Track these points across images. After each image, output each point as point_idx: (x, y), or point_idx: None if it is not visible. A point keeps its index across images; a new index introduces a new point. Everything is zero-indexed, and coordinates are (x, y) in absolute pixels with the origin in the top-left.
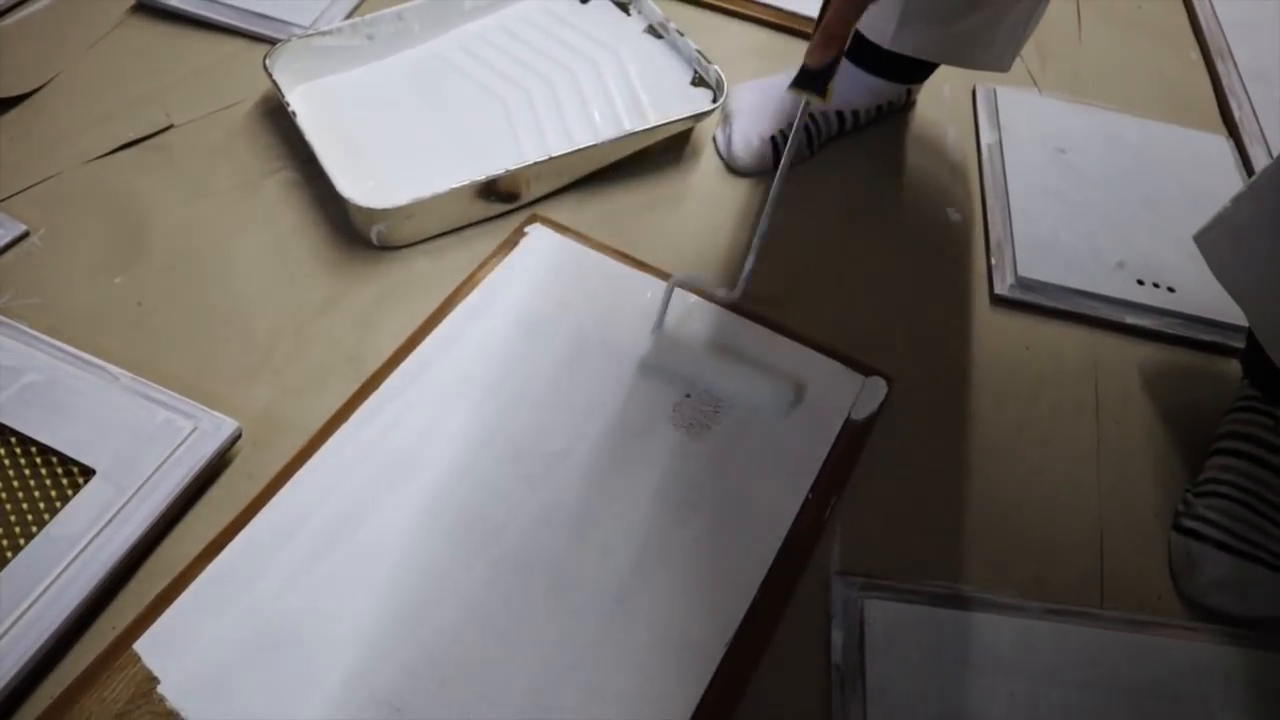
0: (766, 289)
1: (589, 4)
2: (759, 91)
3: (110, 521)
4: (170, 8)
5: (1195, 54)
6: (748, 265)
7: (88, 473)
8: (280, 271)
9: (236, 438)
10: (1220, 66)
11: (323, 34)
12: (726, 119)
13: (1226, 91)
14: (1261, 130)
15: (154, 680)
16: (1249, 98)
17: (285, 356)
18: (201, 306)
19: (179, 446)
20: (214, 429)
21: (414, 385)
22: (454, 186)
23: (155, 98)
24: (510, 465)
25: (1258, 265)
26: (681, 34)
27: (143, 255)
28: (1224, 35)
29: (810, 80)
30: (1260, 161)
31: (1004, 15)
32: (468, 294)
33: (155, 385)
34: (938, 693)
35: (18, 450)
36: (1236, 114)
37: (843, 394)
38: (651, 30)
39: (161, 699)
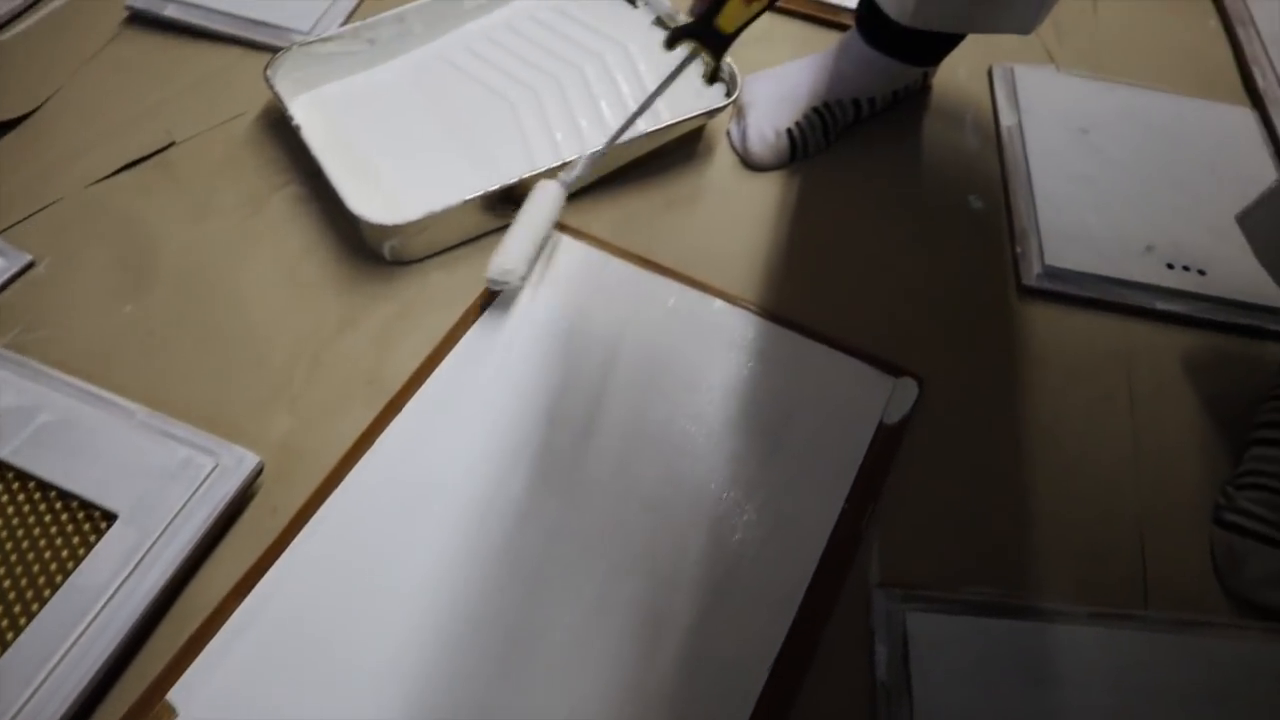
0: (790, 290)
1: None
2: (773, 82)
3: (136, 568)
4: (165, 18)
5: (1214, 21)
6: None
7: (110, 517)
8: (293, 292)
9: (259, 472)
10: (1242, 34)
11: (324, 40)
12: (740, 112)
13: (1249, 60)
14: None
15: None
16: (1273, 67)
17: (303, 382)
18: (215, 333)
19: (201, 485)
20: (235, 465)
21: (436, 407)
22: (466, 199)
23: (155, 114)
24: (542, 489)
25: None
26: None
27: (152, 281)
28: (1245, 2)
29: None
30: None
31: None
32: (486, 306)
33: (173, 420)
34: (985, 705)
35: (37, 496)
36: (1260, 84)
37: (874, 398)
38: (660, 22)
39: None
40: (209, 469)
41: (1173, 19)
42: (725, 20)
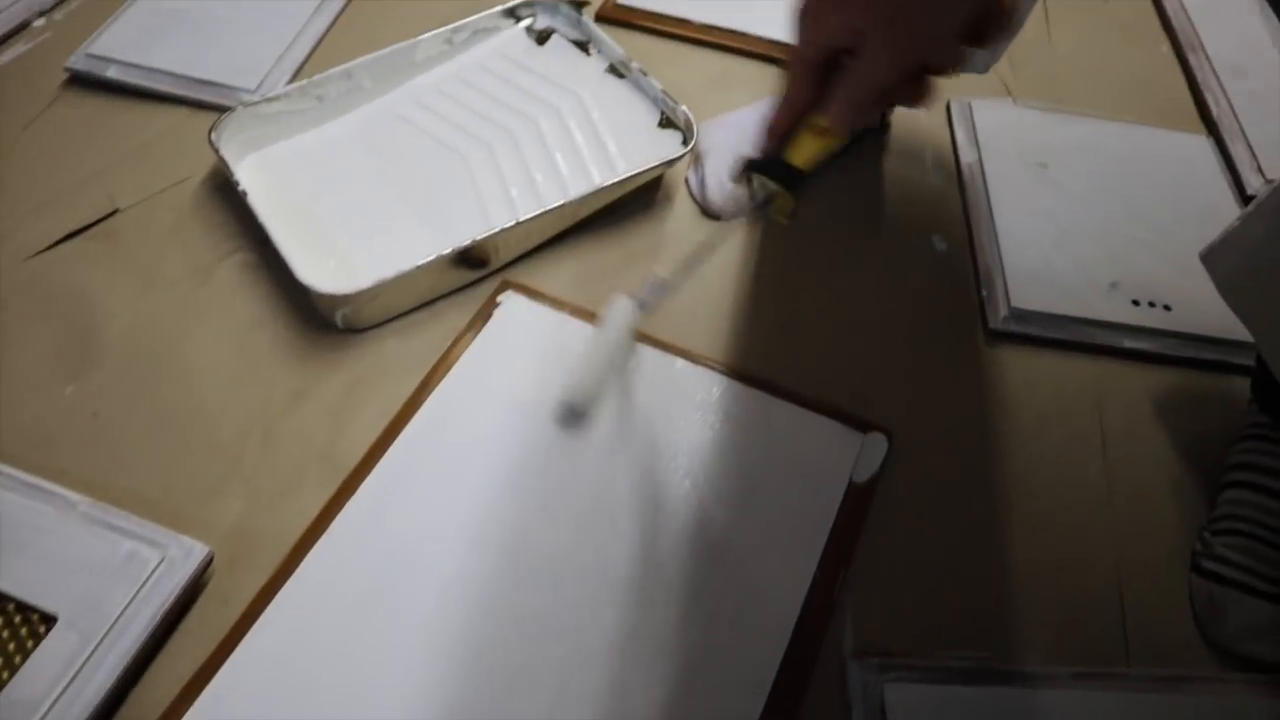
0: (754, 344)
1: (546, 45)
2: (731, 128)
3: (77, 675)
4: (107, 80)
5: (1166, 47)
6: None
7: (49, 620)
8: (243, 365)
9: (209, 563)
10: (1193, 60)
11: (269, 100)
12: (698, 160)
13: (1202, 87)
14: (1241, 127)
15: None
16: (1225, 93)
17: (255, 461)
18: (162, 412)
19: (147, 580)
20: (183, 556)
21: (394, 483)
22: (419, 264)
23: (97, 180)
24: (506, 568)
25: (1269, 286)
26: (645, 73)
27: (95, 359)
28: (1193, 26)
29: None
30: (1243, 160)
31: None
32: (443, 377)
33: (117, 511)
34: None
35: None
36: (1214, 110)
37: (843, 456)
38: (613, 70)
39: None
40: (155, 563)
41: (1125, 45)
42: (796, 155)
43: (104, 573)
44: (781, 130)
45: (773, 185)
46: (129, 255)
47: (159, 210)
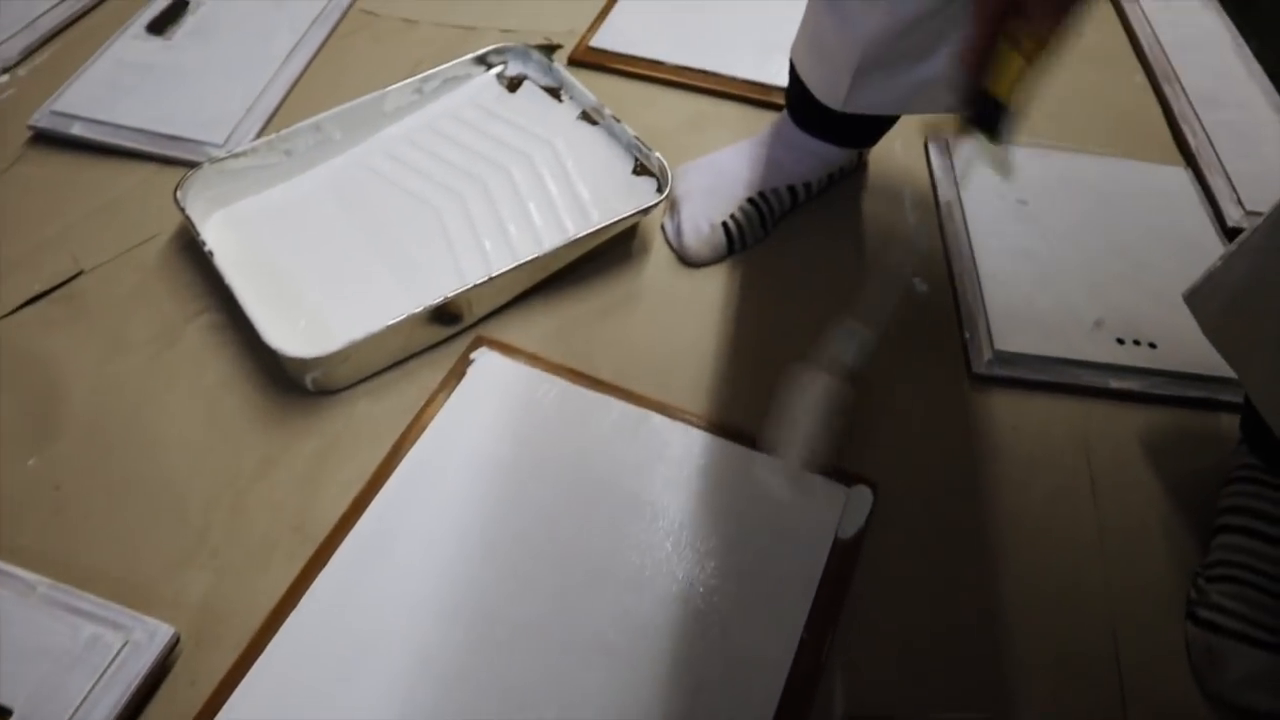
0: (734, 395)
1: (518, 92)
2: (706, 172)
3: None
4: (71, 137)
5: (1140, 77)
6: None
7: (4, 714)
8: (211, 433)
9: (175, 644)
10: (1168, 90)
11: (236, 156)
12: (674, 206)
13: (1178, 118)
14: (1219, 158)
15: None
16: (1201, 124)
17: (223, 533)
18: (127, 484)
19: (109, 666)
20: (148, 639)
21: (367, 555)
22: (390, 323)
23: (61, 240)
24: (484, 638)
25: (1254, 327)
26: (618, 120)
27: (58, 429)
28: (1167, 58)
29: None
30: (1222, 192)
31: None
32: (416, 439)
33: (78, 592)
34: None
35: None
36: (1191, 142)
37: (828, 511)
38: (585, 116)
39: None
40: (118, 647)
41: (1099, 76)
42: (1001, 86)
43: (64, 660)
44: (980, 54)
45: (990, 143)
46: (93, 319)
47: (124, 271)
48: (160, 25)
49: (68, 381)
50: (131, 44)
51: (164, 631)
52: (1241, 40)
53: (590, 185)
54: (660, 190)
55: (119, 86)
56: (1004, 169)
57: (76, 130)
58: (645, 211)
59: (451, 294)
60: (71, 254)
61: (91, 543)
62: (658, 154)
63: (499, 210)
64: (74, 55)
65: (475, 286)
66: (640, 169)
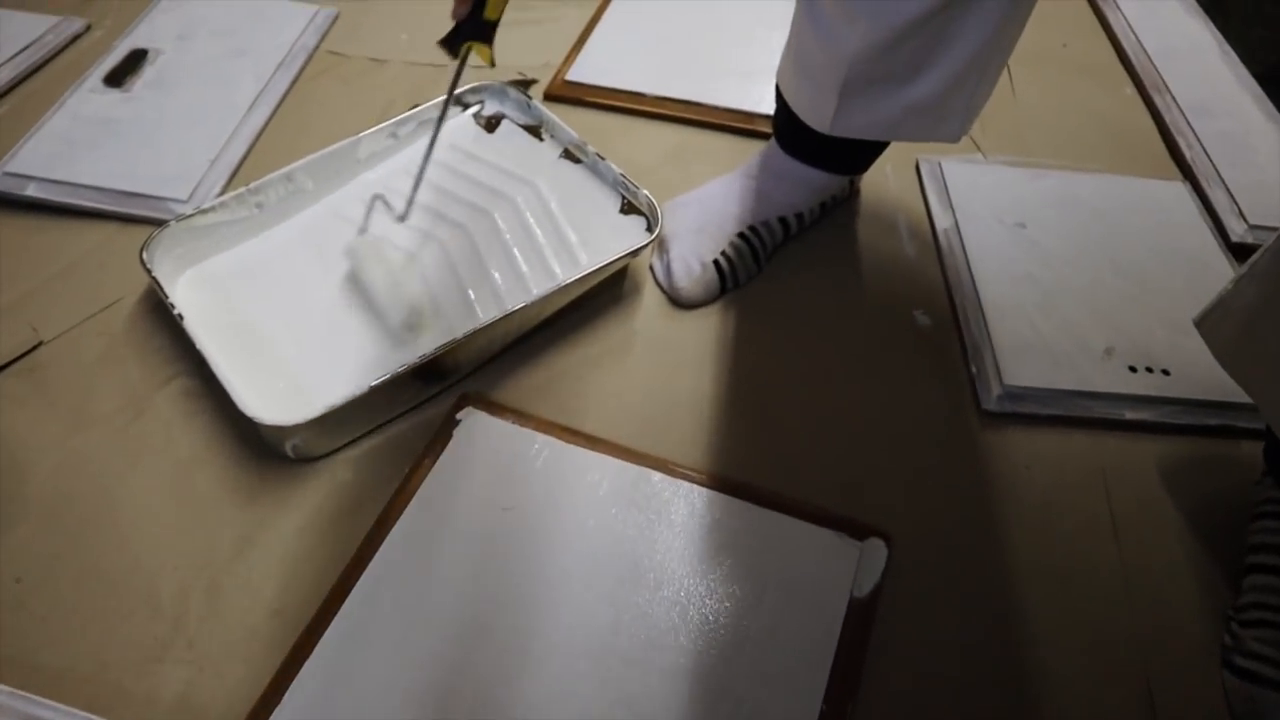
0: (735, 447)
1: (496, 132)
2: (694, 208)
3: None
4: (25, 198)
5: (1130, 89)
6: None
7: None
8: (183, 511)
9: None
10: (1160, 102)
11: (204, 212)
12: (662, 244)
13: (1172, 130)
14: (1216, 169)
15: None
16: (1196, 135)
17: (198, 622)
18: (94, 572)
19: None
20: None
21: (353, 640)
22: (374, 383)
23: (18, 309)
24: None
25: (1269, 352)
26: (602, 157)
27: (18, 515)
28: (1156, 68)
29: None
30: (1222, 205)
31: (960, 74)
32: (402, 511)
33: (41, 700)
34: None
35: None
36: (1187, 154)
37: (842, 569)
38: (568, 154)
39: None
40: None
41: (1089, 90)
42: (491, 8)
43: None
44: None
45: (469, 45)
46: (55, 392)
47: (87, 338)
48: (118, 77)
49: (28, 463)
50: (88, 98)
51: None
52: (1227, 46)
53: (577, 227)
54: (650, 229)
55: (76, 142)
56: (489, 60)
57: (32, 191)
58: (636, 252)
59: (439, 348)
60: (30, 323)
61: (56, 640)
62: (645, 191)
63: (483, 257)
64: (27, 112)
65: (465, 337)
66: (628, 207)
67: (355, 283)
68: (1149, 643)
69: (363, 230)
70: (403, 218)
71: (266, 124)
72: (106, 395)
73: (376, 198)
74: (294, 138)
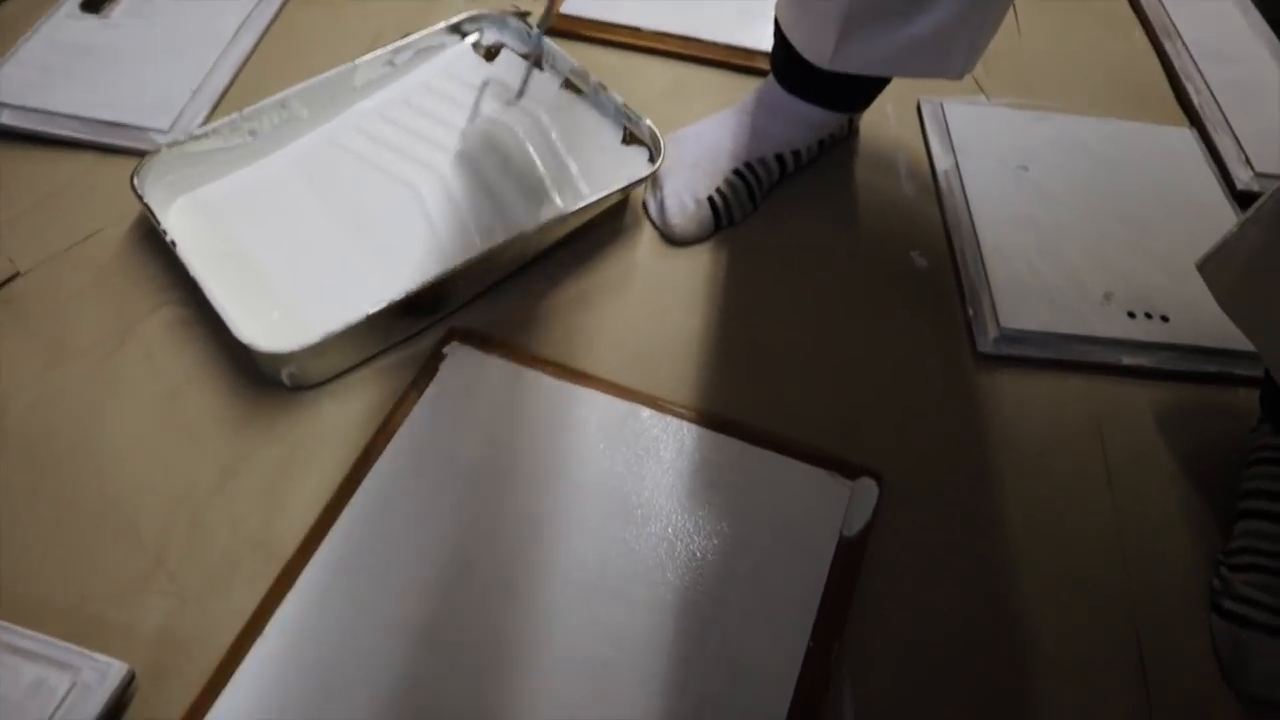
0: (727, 384)
1: (495, 61)
2: (689, 144)
3: None
4: (1, 127)
5: (1139, 32)
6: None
7: None
8: (164, 442)
9: (129, 681)
10: (1169, 46)
11: (197, 138)
12: (656, 180)
13: (1181, 76)
14: (1225, 116)
15: None
16: (1205, 81)
17: (180, 553)
18: (73, 504)
19: (55, 712)
20: (98, 679)
21: (337, 572)
22: (372, 312)
23: None
24: (465, 662)
25: (1272, 296)
26: (604, 87)
27: None
28: (1166, 11)
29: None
30: (1229, 152)
31: (964, 10)
32: (386, 445)
33: (20, 630)
34: None
35: None
36: (1195, 100)
37: (831, 507)
38: (569, 85)
39: None
40: (64, 690)
41: (1097, 33)
42: None
43: (3, 708)
44: None
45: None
46: (33, 323)
47: (66, 270)
48: (97, 3)
49: (6, 395)
50: (65, 24)
51: (116, 669)
52: None
53: (577, 156)
54: (652, 160)
55: (52, 70)
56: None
57: (6, 119)
58: (638, 183)
59: (437, 276)
60: (6, 255)
61: (34, 573)
62: (648, 121)
63: (484, 188)
64: (1, 38)
65: (462, 266)
66: (630, 138)
67: (493, 152)
68: (1139, 586)
69: (474, 116)
70: (520, 94)
71: (251, 53)
72: (89, 326)
73: (486, 84)
74: (279, 68)
